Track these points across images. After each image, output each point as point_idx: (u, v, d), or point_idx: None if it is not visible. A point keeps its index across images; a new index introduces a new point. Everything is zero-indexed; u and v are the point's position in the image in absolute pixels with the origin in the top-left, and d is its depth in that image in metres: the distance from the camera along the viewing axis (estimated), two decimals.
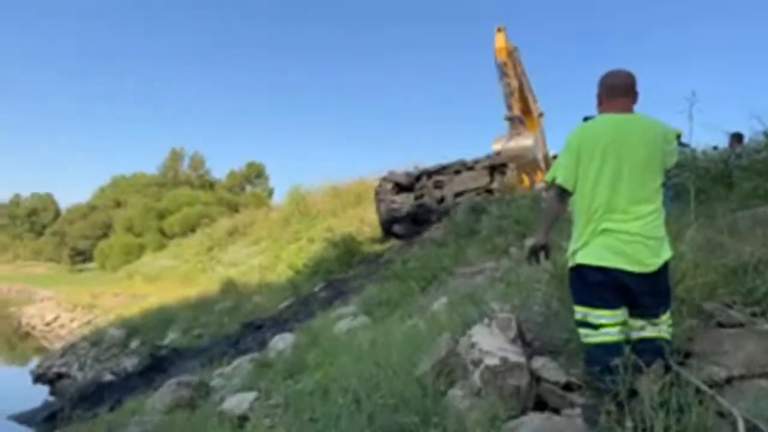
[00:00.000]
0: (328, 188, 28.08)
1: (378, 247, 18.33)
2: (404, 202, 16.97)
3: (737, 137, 8.21)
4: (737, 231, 3.97)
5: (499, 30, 16.01)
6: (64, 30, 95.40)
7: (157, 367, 11.71)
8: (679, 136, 7.81)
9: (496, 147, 17.32)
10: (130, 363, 13.01)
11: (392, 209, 17.08)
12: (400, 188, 17.19)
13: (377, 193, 17.81)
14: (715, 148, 8.97)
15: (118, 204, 53.98)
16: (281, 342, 8.38)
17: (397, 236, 17.29)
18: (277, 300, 15.91)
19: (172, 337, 15.72)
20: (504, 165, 16.35)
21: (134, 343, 16.29)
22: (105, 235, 49.46)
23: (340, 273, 16.19)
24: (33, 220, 71.31)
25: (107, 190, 59.37)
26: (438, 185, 16.69)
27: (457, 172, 16.84)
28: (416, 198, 16.95)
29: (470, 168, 16.71)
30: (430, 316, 5.76)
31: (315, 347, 6.65)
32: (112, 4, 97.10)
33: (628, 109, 2.58)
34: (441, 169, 17.18)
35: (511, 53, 16.30)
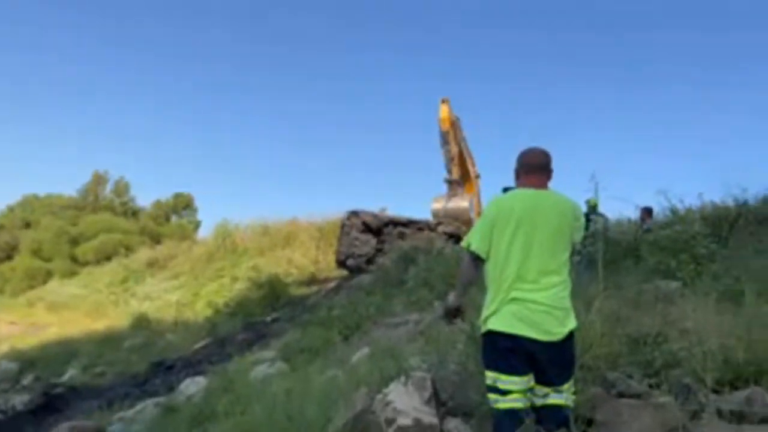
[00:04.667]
0: (258, 226, 27.53)
1: (305, 290, 18.08)
2: (367, 242, 17.11)
3: (647, 211, 8.90)
4: (641, 303, 4.25)
5: (443, 101, 17.24)
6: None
7: (50, 407, 10.76)
8: (595, 206, 8.29)
9: (436, 206, 18.26)
10: (20, 400, 11.82)
11: (354, 245, 17.22)
12: (366, 228, 17.29)
13: (343, 226, 17.89)
14: (629, 219, 9.68)
15: (27, 225, 50.29)
16: (192, 386, 7.99)
17: (350, 269, 17.41)
18: (193, 340, 15.22)
19: (71, 374, 14.54)
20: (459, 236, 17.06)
21: (27, 379, 14.88)
22: (9, 258, 45.69)
23: (262, 315, 15.78)
24: None
25: (16, 209, 55.31)
26: (401, 236, 16.93)
27: (420, 229, 17.22)
28: (378, 242, 17.14)
29: (432, 229, 17.15)
30: (350, 367, 5.71)
31: (228, 393, 6.38)
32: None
33: (543, 185, 2.75)
34: (408, 223, 17.51)
35: (454, 122, 17.49)
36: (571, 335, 2.59)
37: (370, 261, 16.63)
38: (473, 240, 2.66)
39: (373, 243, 17.07)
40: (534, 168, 2.75)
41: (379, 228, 17.33)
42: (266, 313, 15.81)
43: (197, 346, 14.18)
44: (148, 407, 7.10)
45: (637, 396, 2.92)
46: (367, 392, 3.58)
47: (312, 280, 19.71)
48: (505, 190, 3.70)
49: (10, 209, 55.58)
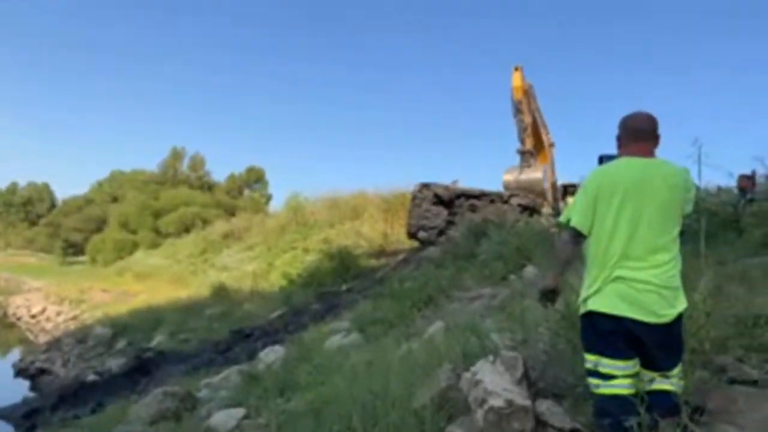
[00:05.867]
0: (327, 199, 27.99)
1: (374, 263, 18.24)
2: (438, 214, 17.07)
3: (749, 178, 8.16)
4: (748, 279, 3.90)
5: (516, 69, 16.62)
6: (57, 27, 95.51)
7: (142, 370, 11.54)
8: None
9: (508, 178, 17.81)
10: (115, 363, 12.79)
11: (425, 217, 17.22)
12: (438, 200, 17.25)
13: (414, 198, 17.94)
14: (719, 188, 8.95)
15: (114, 199, 53.80)
16: (271, 354, 8.24)
17: (421, 241, 17.45)
18: (269, 309, 15.77)
19: (159, 340, 15.51)
20: (534, 208, 16.62)
21: (120, 343, 16.07)
22: (99, 230, 49.17)
23: (333, 286, 16.08)
24: (28, 209, 70.96)
25: (105, 184, 59.24)
26: (472, 209, 16.75)
27: (492, 201, 16.97)
28: (450, 214, 17.06)
29: (505, 201, 16.86)
30: (427, 341, 5.65)
31: (306, 363, 6.53)
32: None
33: (650, 153, 2.50)
34: (480, 195, 17.31)
35: (527, 91, 16.87)
36: (679, 317, 2.38)
37: (441, 233, 16.53)
38: (574, 214, 2.47)
39: (445, 215, 16.94)
40: (640, 134, 2.50)
41: (450, 200, 17.15)
42: (337, 284, 16.10)
43: (273, 315, 14.67)
44: (231, 374, 7.40)
45: (753, 383, 2.66)
46: (452, 369, 3.50)
47: (381, 252, 19.85)
48: (602, 158, 3.43)
49: (99, 184, 59.65)
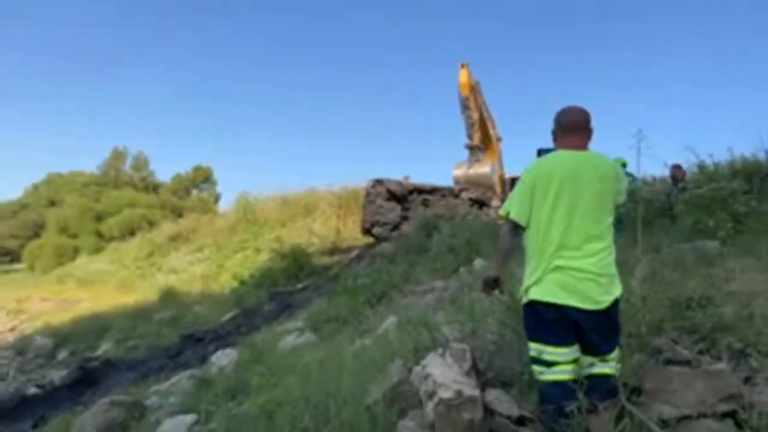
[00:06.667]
0: (278, 197, 27.61)
1: (327, 260, 18.16)
2: (392, 210, 17.15)
3: (679, 168, 8.59)
4: (681, 264, 4.10)
5: (462, 66, 16.81)
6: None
7: (87, 380, 11.03)
8: (624, 165, 8.07)
9: (457, 173, 18.08)
10: (57, 375, 12.17)
11: (379, 213, 17.28)
12: (391, 196, 17.30)
13: (368, 194, 17.92)
14: (654, 178, 9.37)
15: (52, 203, 51.17)
16: (223, 357, 8.09)
17: (376, 237, 17.51)
18: (220, 311, 15.44)
19: (105, 348, 14.90)
20: (484, 201, 16.92)
21: (63, 354, 15.34)
22: (36, 235, 46.70)
23: (286, 285, 15.91)
24: None
25: (41, 187, 56.25)
26: (425, 204, 16.88)
27: (444, 196, 17.15)
28: (403, 210, 17.18)
29: (456, 196, 17.05)
30: (380, 337, 5.68)
31: (259, 365, 6.43)
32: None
33: (583, 146, 2.60)
34: (432, 190, 17.44)
35: (474, 87, 17.13)
36: (615, 302, 2.50)
37: (395, 228, 16.65)
38: (512, 207, 2.54)
39: (398, 211, 17.08)
40: (573, 128, 2.59)
41: (403, 196, 17.29)
42: (291, 284, 15.94)
43: (225, 317, 14.38)
44: (182, 379, 7.21)
45: (687, 363, 2.81)
46: (403, 363, 3.53)
47: (334, 250, 19.78)
48: (540, 152, 3.53)
49: (35, 188, 56.61)
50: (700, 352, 2.89)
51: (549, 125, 2.73)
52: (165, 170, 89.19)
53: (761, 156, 8.82)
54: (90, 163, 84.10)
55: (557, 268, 2.42)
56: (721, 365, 2.62)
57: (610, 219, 2.55)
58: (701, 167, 8.43)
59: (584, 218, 2.45)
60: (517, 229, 2.57)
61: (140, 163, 53.77)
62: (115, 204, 41.90)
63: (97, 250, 37.25)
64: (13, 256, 50.01)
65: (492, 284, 2.78)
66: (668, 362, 2.81)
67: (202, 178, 53.62)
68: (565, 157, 2.54)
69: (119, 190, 46.48)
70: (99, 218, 41.38)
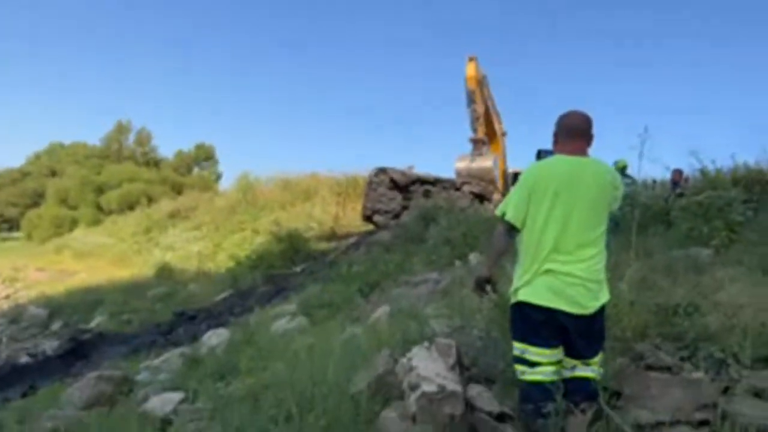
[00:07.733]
0: (279, 180, 27.63)
1: (324, 246, 18.20)
2: (394, 199, 17.25)
3: (680, 173, 8.59)
4: (672, 271, 4.12)
5: (470, 59, 16.74)
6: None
7: (78, 352, 11.12)
8: (624, 168, 8.01)
9: (459, 166, 18.09)
10: (49, 345, 12.30)
11: (380, 201, 17.39)
12: (394, 185, 17.32)
13: (370, 182, 18.03)
14: (654, 181, 9.37)
15: (53, 173, 51.11)
16: (215, 337, 8.12)
17: (376, 225, 17.63)
18: (215, 291, 15.51)
19: (98, 321, 15.00)
20: (485, 195, 16.97)
21: (56, 324, 15.46)
22: (36, 205, 46.72)
23: (282, 268, 15.95)
24: None
25: (43, 156, 56.12)
26: (427, 195, 16.93)
27: (446, 188, 17.18)
28: (405, 199, 17.24)
29: (458, 189, 17.08)
30: (371, 326, 5.72)
31: (249, 347, 6.47)
32: None
33: (583, 152, 2.60)
34: (435, 182, 17.47)
35: (480, 81, 17.09)
36: (602, 308, 2.52)
37: (396, 217, 16.73)
38: (508, 208, 2.55)
39: (400, 200, 17.16)
40: (574, 133, 2.60)
41: (406, 185, 17.35)
42: (286, 267, 15.98)
43: (219, 297, 14.45)
44: (173, 357, 7.24)
45: (667, 369, 2.83)
46: (390, 354, 3.56)
47: (332, 235, 19.83)
48: (539, 152, 3.53)
49: (37, 156, 56.45)
50: (682, 359, 2.92)
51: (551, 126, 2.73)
52: (168, 146, 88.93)
53: (765, 165, 8.83)
54: (93, 136, 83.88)
55: (548, 271, 2.44)
56: (700, 374, 2.65)
57: (604, 226, 2.57)
58: (703, 173, 8.42)
59: (579, 224, 2.46)
60: (512, 231, 2.58)
61: (143, 138, 53.62)
62: (116, 177, 41.88)
63: (96, 223, 37.31)
64: (12, 224, 50.10)
65: (484, 284, 2.79)
66: (649, 368, 2.84)
67: (205, 156, 53.51)
68: (565, 162, 2.55)
69: (121, 164, 46.43)
70: (99, 191, 41.39)
